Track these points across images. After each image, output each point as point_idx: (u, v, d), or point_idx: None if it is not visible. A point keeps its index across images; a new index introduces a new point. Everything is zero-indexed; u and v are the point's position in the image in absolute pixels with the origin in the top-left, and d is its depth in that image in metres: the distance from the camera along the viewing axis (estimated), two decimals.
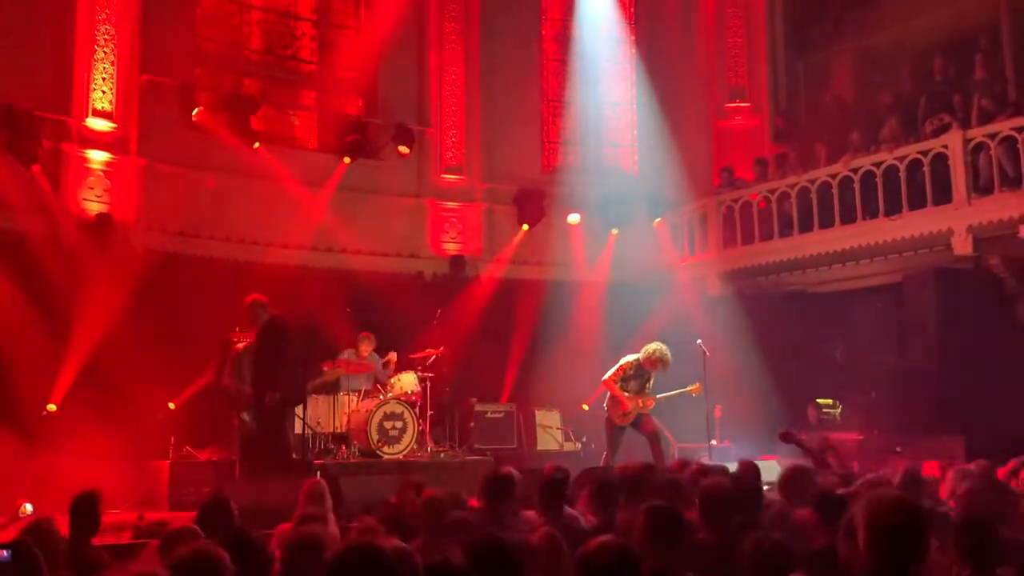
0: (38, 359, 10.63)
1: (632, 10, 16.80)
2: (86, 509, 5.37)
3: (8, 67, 11.42)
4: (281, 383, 9.49)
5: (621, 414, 10.49)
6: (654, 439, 10.52)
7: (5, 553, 3.79)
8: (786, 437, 7.68)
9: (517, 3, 15.73)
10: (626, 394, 10.44)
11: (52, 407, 10.71)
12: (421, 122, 14.82)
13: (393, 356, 12.10)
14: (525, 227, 14.91)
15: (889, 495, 3.51)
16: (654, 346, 10.44)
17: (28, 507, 9.26)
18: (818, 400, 12.93)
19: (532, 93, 16.00)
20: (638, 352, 10.57)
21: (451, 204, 15.00)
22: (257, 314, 9.84)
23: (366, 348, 11.82)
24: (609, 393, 10.59)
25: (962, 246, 11.73)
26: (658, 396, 10.64)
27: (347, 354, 11.68)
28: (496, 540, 3.85)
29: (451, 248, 14.81)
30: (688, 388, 10.74)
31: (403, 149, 14.06)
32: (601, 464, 10.08)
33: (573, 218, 14.94)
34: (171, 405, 11.28)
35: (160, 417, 11.10)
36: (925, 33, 13.98)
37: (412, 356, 12.05)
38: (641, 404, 10.47)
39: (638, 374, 10.52)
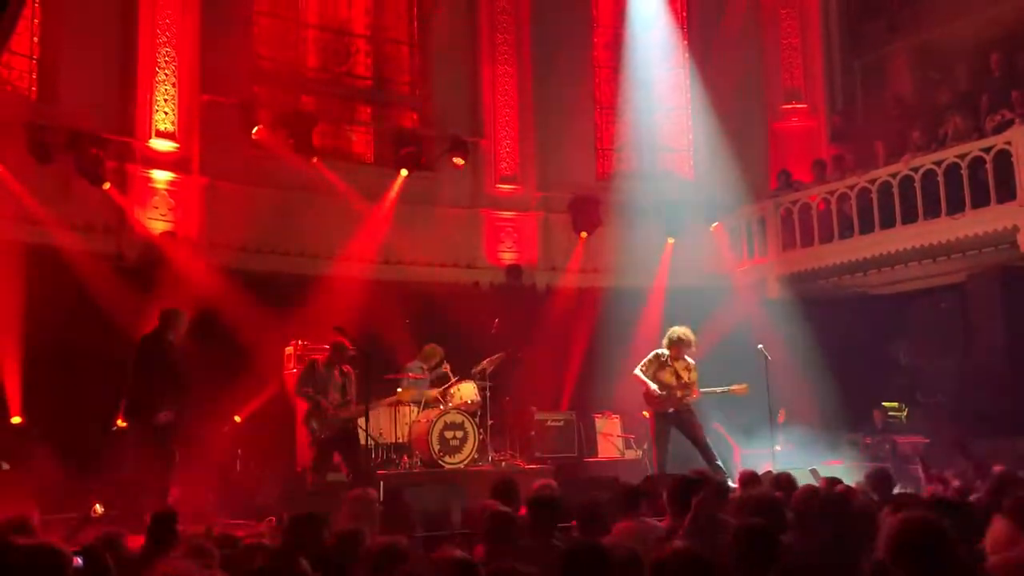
0: (106, 375, 10.88)
1: (684, 14, 16.72)
2: (163, 528, 5.39)
3: (73, 91, 11.81)
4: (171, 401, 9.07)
5: (656, 400, 10.40)
6: (702, 445, 10.42)
7: (79, 561, 3.91)
8: (963, 450, 7.36)
9: (568, 12, 15.71)
10: (653, 385, 10.37)
11: (121, 423, 10.93)
12: (475, 133, 14.91)
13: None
14: (584, 235, 14.89)
15: (914, 516, 3.50)
16: (672, 329, 10.45)
17: (99, 508, 9.46)
18: (884, 403, 12.74)
19: (585, 100, 15.99)
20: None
21: (506, 214, 15.05)
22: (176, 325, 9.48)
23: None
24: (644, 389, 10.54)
25: None
26: (703, 390, 10.53)
27: (414, 367, 11.71)
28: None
29: (507, 257, 14.87)
30: (732, 387, 10.59)
31: (458, 160, 14.16)
32: (653, 465, 10.02)
33: None
34: (236, 418, 11.49)
35: (226, 430, 11.32)
36: (982, 28, 13.74)
37: (476, 366, 12.07)
38: (681, 395, 10.38)
39: (663, 363, 10.45)
